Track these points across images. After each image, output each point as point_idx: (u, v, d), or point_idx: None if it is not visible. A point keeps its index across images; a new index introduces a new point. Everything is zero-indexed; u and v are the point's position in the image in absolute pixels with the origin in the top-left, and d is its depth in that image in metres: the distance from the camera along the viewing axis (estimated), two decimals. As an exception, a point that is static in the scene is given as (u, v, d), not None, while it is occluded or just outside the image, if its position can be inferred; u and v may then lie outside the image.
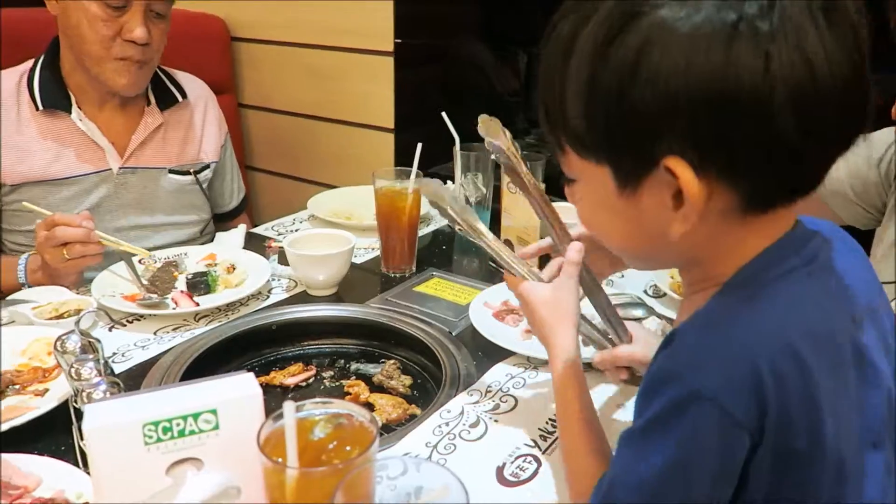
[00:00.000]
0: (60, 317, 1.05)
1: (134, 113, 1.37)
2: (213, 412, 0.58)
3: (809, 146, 0.48)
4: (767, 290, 0.52)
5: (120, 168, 1.35)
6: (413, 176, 1.23)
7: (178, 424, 0.57)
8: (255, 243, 1.40)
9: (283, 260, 1.27)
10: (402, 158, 1.93)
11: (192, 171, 1.44)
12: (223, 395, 0.58)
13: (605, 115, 0.50)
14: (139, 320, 1.08)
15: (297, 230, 1.50)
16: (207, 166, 1.49)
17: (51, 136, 1.29)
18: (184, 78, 1.48)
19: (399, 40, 1.81)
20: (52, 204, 1.28)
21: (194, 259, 1.24)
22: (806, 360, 0.48)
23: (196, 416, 0.57)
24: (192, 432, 0.57)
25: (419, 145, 1.24)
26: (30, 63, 1.32)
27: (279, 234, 1.47)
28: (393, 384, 0.99)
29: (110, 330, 1.05)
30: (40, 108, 1.28)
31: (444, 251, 1.44)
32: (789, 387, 0.47)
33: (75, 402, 0.76)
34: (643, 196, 0.52)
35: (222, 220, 1.59)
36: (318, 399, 0.57)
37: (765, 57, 0.45)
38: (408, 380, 1.01)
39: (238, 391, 0.59)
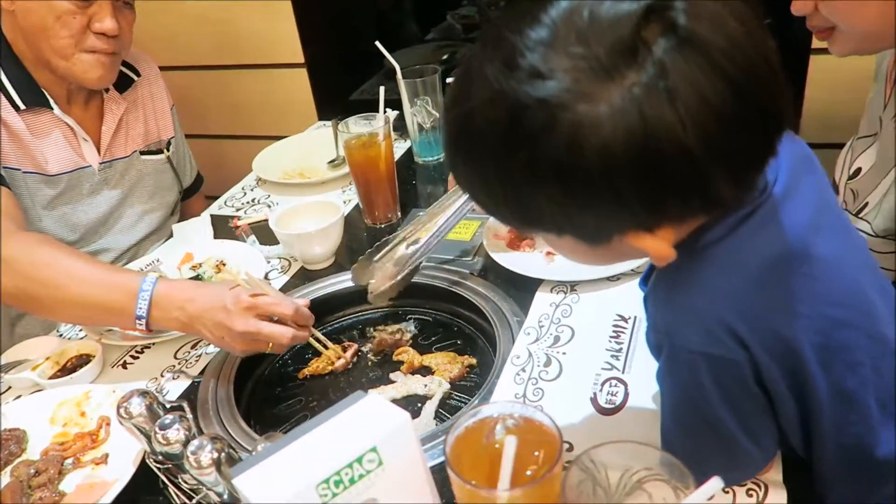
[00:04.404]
0: (63, 368, 0.96)
1: (97, 103, 1.27)
2: (375, 450, 0.56)
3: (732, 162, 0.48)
4: (712, 250, 0.55)
5: (100, 163, 1.26)
6: (381, 120, 1.17)
7: (346, 474, 0.54)
8: (218, 226, 1.31)
9: (265, 239, 1.20)
10: (323, 94, 1.83)
11: (163, 149, 1.37)
12: (377, 430, 0.56)
13: (553, 212, 0.50)
14: (149, 349, 1.00)
15: (253, 200, 1.41)
16: (170, 142, 1.40)
17: (38, 133, 1.18)
18: (132, 55, 1.33)
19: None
20: (44, 198, 1.20)
21: (172, 264, 1.15)
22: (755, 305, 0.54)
23: (360, 460, 0.55)
24: (360, 476, 0.55)
25: (382, 88, 1.17)
26: None
27: (238, 210, 1.38)
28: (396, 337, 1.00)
29: (125, 367, 0.98)
30: (21, 107, 1.15)
31: (413, 187, 1.40)
32: (758, 321, 0.54)
33: (158, 463, 0.72)
34: (614, 244, 0.53)
35: (182, 201, 1.49)
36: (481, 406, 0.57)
37: (671, 108, 0.44)
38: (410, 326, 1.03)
39: (386, 420, 0.57)
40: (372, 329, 1.05)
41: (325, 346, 0.98)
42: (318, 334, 0.97)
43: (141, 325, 0.88)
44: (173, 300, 0.88)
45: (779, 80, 0.49)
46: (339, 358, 0.98)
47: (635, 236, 0.52)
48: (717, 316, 0.54)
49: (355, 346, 1.01)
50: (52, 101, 1.18)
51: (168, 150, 1.38)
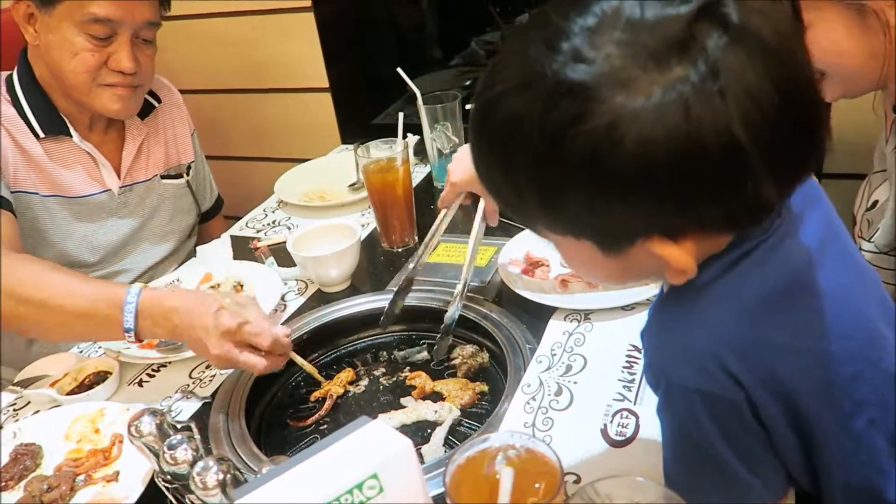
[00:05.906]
0: (81, 385, 0.98)
1: (117, 128, 1.30)
2: (375, 477, 0.56)
3: (777, 166, 0.47)
4: (710, 287, 0.55)
5: (119, 187, 1.29)
6: (400, 145, 1.18)
7: (346, 500, 0.54)
8: (237, 247, 1.33)
9: (283, 261, 1.21)
10: (346, 117, 1.85)
11: (183, 173, 1.40)
12: (376, 456, 0.56)
13: (576, 207, 0.49)
14: (165, 367, 1.02)
15: (273, 222, 1.43)
16: (189, 166, 1.43)
17: (58, 159, 1.21)
18: (154, 81, 1.37)
19: (316, -7, 1.69)
20: (64, 221, 1.23)
21: (191, 284, 1.17)
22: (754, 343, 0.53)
23: (360, 486, 0.55)
24: (361, 503, 0.55)
25: (401, 114, 1.19)
26: None
27: (258, 232, 1.40)
28: (457, 362, 0.99)
29: (141, 385, 0.99)
30: (41, 135, 1.18)
31: (431, 211, 1.40)
32: (754, 358, 0.53)
33: (167, 482, 0.73)
34: (632, 254, 0.52)
35: (200, 223, 1.51)
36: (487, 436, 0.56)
37: (722, 102, 0.44)
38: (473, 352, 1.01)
39: (388, 447, 0.57)
40: (386, 354, 1.06)
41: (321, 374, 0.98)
42: (303, 363, 0.97)
43: (130, 337, 0.89)
44: (161, 311, 0.89)
45: (817, 90, 0.49)
46: (351, 379, 0.99)
47: (659, 243, 0.50)
48: (712, 353, 0.54)
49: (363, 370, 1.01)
50: (71, 129, 1.21)
51: (188, 175, 1.41)
